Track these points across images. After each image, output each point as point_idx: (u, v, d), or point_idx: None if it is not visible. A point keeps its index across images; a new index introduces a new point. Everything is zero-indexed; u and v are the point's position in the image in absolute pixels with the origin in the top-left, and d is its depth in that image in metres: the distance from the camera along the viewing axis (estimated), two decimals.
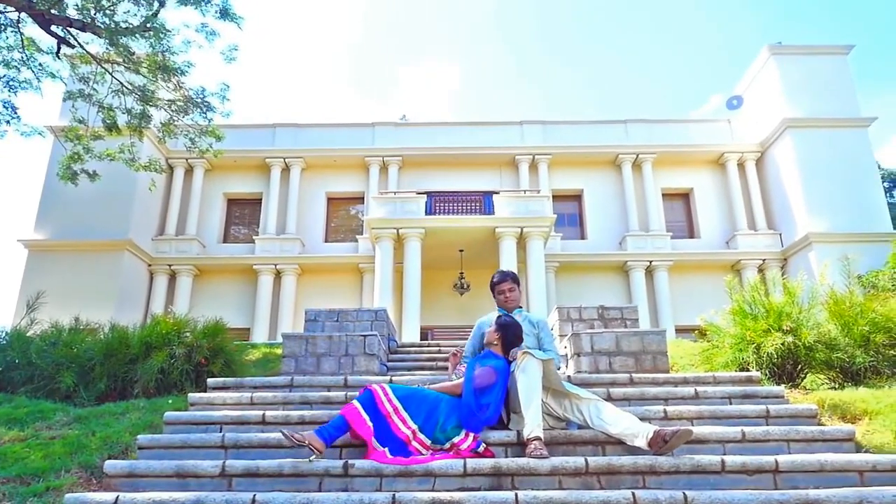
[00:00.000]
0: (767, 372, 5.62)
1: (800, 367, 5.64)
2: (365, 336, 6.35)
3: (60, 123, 14.65)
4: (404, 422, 3.66)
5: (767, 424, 4.18)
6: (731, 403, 4.62)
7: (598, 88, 59.36)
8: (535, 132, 19.50)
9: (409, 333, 14.64)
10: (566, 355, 6.36)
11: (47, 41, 10.71)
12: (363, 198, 19.07)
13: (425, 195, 16.52)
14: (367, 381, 4.93)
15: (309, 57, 65.84)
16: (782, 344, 5.51)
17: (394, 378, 5.27)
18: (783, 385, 5.28)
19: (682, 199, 19.66)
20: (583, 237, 18.96)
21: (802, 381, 5.62)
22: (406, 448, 3.56)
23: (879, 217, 16.64)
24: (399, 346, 8.79)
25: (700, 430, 3.83)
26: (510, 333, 4.07)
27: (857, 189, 16.82)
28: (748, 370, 5.65)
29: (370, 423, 3.62)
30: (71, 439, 4.19)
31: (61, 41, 10.33)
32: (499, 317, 4.26)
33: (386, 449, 3.53)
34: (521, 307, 4.68)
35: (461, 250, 16.54)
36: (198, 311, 7.75)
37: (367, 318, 8.11)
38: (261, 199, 19.26)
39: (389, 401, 3.73)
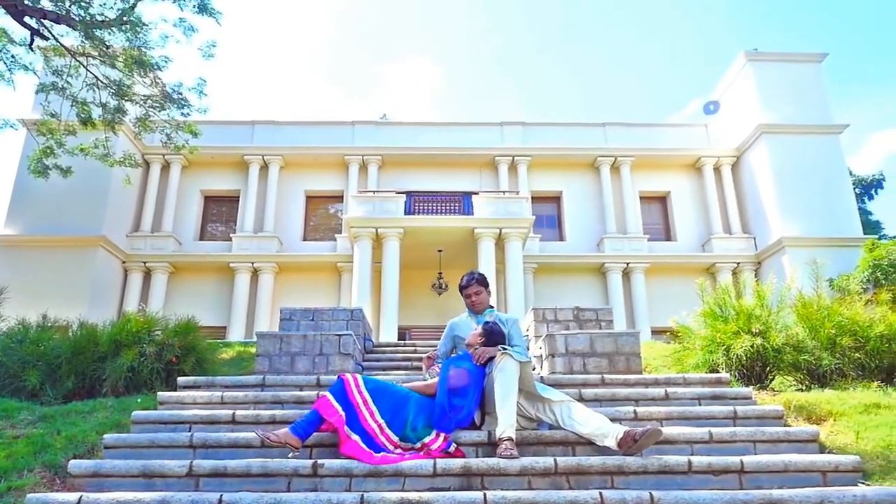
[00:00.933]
0: (737, 374, 5.71)
1: (768, 368, 5.74)
2: (340, 335, 6.32)
3: (33, 116, 14.34)
4: (372, 415, 3.66)
5: (735, 425, 4.23)
6: (700, 404, 4.66)
7: (580, 90, 59.82)
8: (514, 133, 19.58)
9: (387, 333, 14.61)
10: (541, 356, 6.39)
11: (20, 32, 10.52)
12: (342, 196, 18.98)
13: (405, 195, 16.48)
14: None
15: (288, 54, 65.39)
16: (751, 346, 5.60)
17: None
18: (751, 386, 5.35)
19: (659, 202, 19.88)
20: (561, 239, 19.08)
21: (770, 382, 5.72)
22: (374, 441, 3.55)
23: (850, 222, 17.02)
24: (375, 345, 8.77)
25: (669, 430, 3.86)
26: (491, 342, 4.09)
27: (830, 194, 17.16)
28: (718, 372, 5.72)
29: (342, 412, 3.61)
30: (35, 438, 4.10)
31: (35, 33, 10.15)
32: (486, 322, 4.28)
33: (358, 437, 3.52)
34: (492, 307, 4.70)
35: (440, 250, 16.54)
36: (173, 310, 7.64)
37: (343, 318, 8.07)
38: (238, 197, 19.06)
39: (360, 392, 3.72)
